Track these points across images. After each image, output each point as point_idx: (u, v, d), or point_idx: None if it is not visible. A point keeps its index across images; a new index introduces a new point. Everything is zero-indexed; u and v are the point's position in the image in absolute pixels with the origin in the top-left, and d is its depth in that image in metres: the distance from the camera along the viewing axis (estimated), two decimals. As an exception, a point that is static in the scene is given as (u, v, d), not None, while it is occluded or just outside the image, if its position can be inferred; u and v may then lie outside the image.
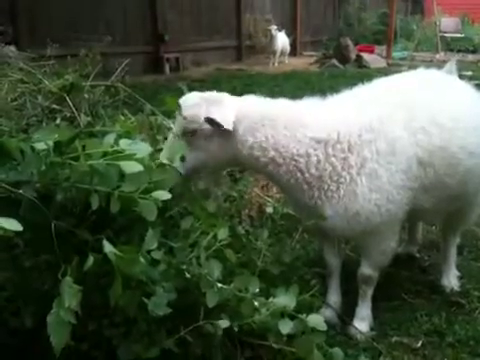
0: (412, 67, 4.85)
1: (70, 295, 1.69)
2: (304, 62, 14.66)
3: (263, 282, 2.16)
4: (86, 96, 3.60)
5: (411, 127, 2.50)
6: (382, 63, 13.66)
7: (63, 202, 1.87)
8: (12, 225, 1.57)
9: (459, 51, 16.14)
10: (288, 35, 14.86)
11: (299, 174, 2.42)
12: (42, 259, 1.95)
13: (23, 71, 3.93)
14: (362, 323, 2.73)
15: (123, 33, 11.46)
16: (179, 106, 2.40)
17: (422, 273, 3.39)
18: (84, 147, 1.85)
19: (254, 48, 15.44)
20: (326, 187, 2.44)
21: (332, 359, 2.10)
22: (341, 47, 13.63)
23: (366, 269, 2.69)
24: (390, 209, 2.47)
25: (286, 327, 2.00)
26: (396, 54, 15.38)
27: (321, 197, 2.46)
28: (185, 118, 2.36)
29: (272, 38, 13.71)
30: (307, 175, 2.42)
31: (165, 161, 2.08)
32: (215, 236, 2.11)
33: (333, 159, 2.41)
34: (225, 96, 2.46)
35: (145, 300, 1.87)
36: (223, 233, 2.12)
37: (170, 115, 2.89)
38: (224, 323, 1.94)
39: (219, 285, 1.96)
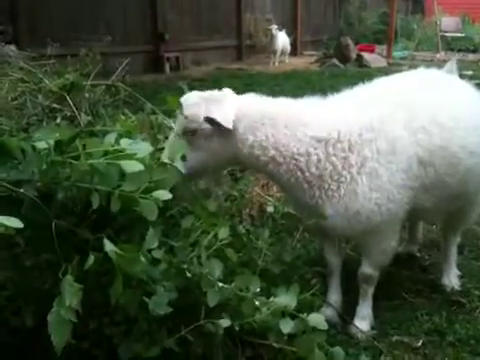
0: (412, 67, 4.85)
1: (71, 294, 1.69)
2: (304, 62, 14.66)
3: (264, 281, 2.16)
4: (86, 95, 3.61)
5: (411, 126, 2.50)
6: (382, 62, 13.66)
7: (64, 201, 1.87)
8: (13, 223, 1.57)
9: (459, 50, 16.13)
10: (288, 34, 14.85)
11: (299, 173, 2.42)
12: (43, 258, 1.95)
13: (23, 70, 3.93)
14: (363, 322, 2.73)
15: (123, 32, 11.46)
16: (180, 105, 2.40)
17: (423, 272, 3.39)
18: (85, 146, 1.85)
19: (254, 47, 15.44)
20: (326, 186, 2.44)
21: (333, 358, 2.10)
22: (342, 46, 13.62)
23: (367, 268, 2.69)
24: (390, 208, 2.47)
25: (287, 326, 2.00)
26: (396, 53, 15.38)
27: (321, 196, 2.46)
28: (186, 117, 2.36)
29: (272, 37, 13.71)
30: (307, 174, 2.42)
31: (166, 160, 2.08)
32: (216, 235, 2.11)
33: (333, 158, 2.41)
34: (226, 95, 2.46)
35: (146, 299, 1.87)
36: (224, 232, 2.12)
37: (171, 114, 2.90)
38: (225, 322, 1.94)
39: (220, 284, 1.95)
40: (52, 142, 1.84)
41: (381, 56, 14.45)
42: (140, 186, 1.82)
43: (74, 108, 3.35)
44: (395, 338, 2.67)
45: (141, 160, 1.84)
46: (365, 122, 2.46)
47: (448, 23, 17.07)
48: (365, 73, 10.40)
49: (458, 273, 3.21)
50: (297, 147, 2.39)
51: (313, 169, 2.41)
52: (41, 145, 1.84)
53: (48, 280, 1.93)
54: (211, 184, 2.73)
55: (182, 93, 2.54)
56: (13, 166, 1.82)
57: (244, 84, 9.56)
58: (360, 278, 2.73)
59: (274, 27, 13.81)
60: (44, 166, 1.82)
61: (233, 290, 2.00)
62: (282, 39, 14.06)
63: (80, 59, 4.21)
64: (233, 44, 15.05)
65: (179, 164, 2.12)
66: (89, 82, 3.71)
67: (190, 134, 2.38)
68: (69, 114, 3.38)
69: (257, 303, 2.03)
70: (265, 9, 16.10)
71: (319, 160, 2.41)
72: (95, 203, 1.79)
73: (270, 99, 2.53)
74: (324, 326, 2.04)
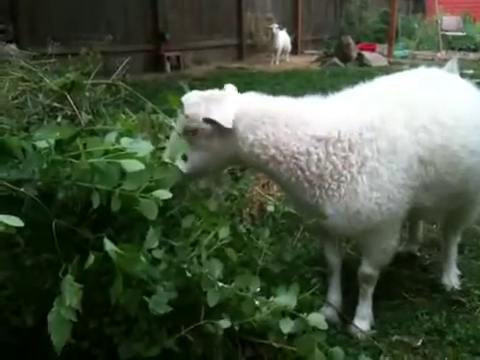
0: (413, 66, 4.84)
1: (71, 293, 1.69)
2: (305, 61, 14.67)
3: (264, 281, 2.15)
4: (87, 94, 3.61)
5: (412, 126, 2.50)
6: (383, 62, 13.66)
7: (64, 200, 1.87)
8: (13, 222, 1.57)
9: (460, 49, 16.12)
10: (289, 33, 14.87)
11: (300, 172, 2.42)
12: (43, 258, 1.95)
13: (24, 69, 3.94)
14: (363, 322, 2.73)
15: (124, 32, 11.47)
16: (181, 105, 2.40)
17: (423, 272, 3.39)
18: (85, 145, 1.84)
19: (255, 46, 15.46)
20: (327, 186, 2.43)
21: (332, 358, 2.10)
22: (342, 45, 13.62)
23: (367, 268, 2.69)
24: (391, 208, 2.46)
25: (287, 326, 2.00)
26: (397, 53, 15.37)
27: (322, 196, 2.45)
28: (186, 117, 2.36)
29: (273, 36, 13.72)
30: (308, 173, 2.42)
31: (167, 160, 2.08)
32: (216, 235, 2.11)
33: (334, 158, 2.41)
34: (226, 94, 2.46)
35: (146, 299, 1.87)
36: (224, 232, 2.12)
37: (171, 113, 2.89)
38: (225, 323, 1.94)
39: (220, 284, 1.95)
40: (52, 141, 1.84)
41: (382, 55, 14.45)
42: (141, 185, 1.82)
43: (75, 107, 3.35)
44: (395, 338, 2.67)
45: (142, 159, 1.83)
46: (366, 121, 2.45)
47: (449, 22, 17.07)
48: (366, 72, 10.39)
49: (458, 272, 3.20)
50: (297, 146, 2.39)
51: (313, 168, 2.41)
52: (42, 144, 1.83)
53: (48, 280, 1.93)
54: (211, 183, 2.73)
55: (183, 92, 2.54)
56: (13, 165, 1.82)
57: (245, 83, 9.55)
58: (360, 278, 2.73)
59: (275, 26, 13.82)
60: (44, 165, 1.82)
61: (233, 290, 1.99)
62: (283, 38, 14.08)
63: (81, 58, 4.22)
64: (234, 43, 15.06)
65: (180, 163, 2.12)
66: (90, 81, 3.71)
67: (191, 133, 2.37)
68: (70, 113, 3.39)
69: (257, 303, 2.03)
70: (266, 8, 16.11)
71: (319, 159, 2.40)
72: (95, 202, 1.79)
73: (270, 98, 2.52)
74: (324, 326, 2.04)
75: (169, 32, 12.44)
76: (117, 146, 1.87)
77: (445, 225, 3.23)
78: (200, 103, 2.37)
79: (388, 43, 15.25)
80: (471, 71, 10.23)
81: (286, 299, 2.07)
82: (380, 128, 2.45)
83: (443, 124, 2.54)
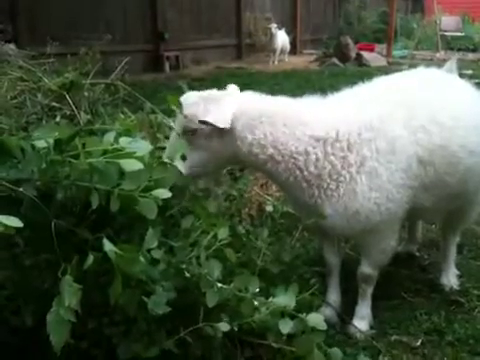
0: (412, 66, 4.85)
1: (70, 294, 1.68)
2: (304, 60, 14.67)
3: (263, 281, 2.15)
4: (86, 94, 3.61)
5: (411, 126, 2.50)
6: (382, 62, 13.65)
7: (63, 200, 1.87)
8: (13, 222, 1.57)
9: (459, 50, 16.12)
10: (288, 33, 14.86)
11: (298, 172, 2.42)
12: (42, 258, 1.95)
13: (23, 69, 3.94)
14: (362, 322, 2.73)
15: (123, 31, 11.45)
16: (180, 105, 2.40)
17: (422, 272, 3.39)
18: (84, 145, 1.84)
19: (254, 46, 15.45)
20: (325, 185, 2.43)
21: (331, 359, 2.10)
22: (341, 45, 13.63)
23: (366, 268, 2.69)
24: (390, 208, 2.46)
25: (286, 327, 2.00)
26: (396, 53, 15.38)
27: (321, 196, 2.45)
28: (185, 117, 2.36)
29: (272, 36, 13.71)
30: (306, 173, 2.42)
31: (166, 160, 2.08)
32: (215, 235, 2.11)
33: (332, 158, 2.41)
34: (224, 94, 2.45)
35: (145, 299, 1.87)
36: (223, 233, 2.11)
37: (170, 113, 2.89)
38: (224, 326, 1.93)
39: (219, 285, 1.95)
40: (51, 141, 1.84)
41: (381, 55, 14.45)
42: (139, 185, 1.82)
43: (73, 107, 3.35)
44: (394, 338, 2.66)
45: (140, 159, 1.83)
46: (364, 121, 2.45)
47: (448, 22, 17.07)
48: (365, 72, 10.39)
49: (457, 272, 3.21)
50: (296, 146, 2.38)
51: (312, 168, 2.41)
52: (40, 144, 1.83)
53: (47, 280, 1.92)
54: (210, 183, 2.72)
55: (182, 92, 2.53)
56: (12, 165, 1.82)
57: (244, 83, 9.47)
58: (359, 278, 2.73)
59: (274, 26, 13.81)
60: (43, 165, 1.82)
61: (232, 290, 1.99)
62: (282, 38, 14.07)
63: (80, 58, 4.22)
64: (233, 43, 15.06)
65: (179, 164, 2.12)
66: (88, 81, 3.71)
67: (190, 134, 2.37)
68: (68, 113, 3.39)
69: (256, 303, 2.03)
70: (265, 8, 16.11)
71: (318, 159, 2.40)
72: (94, 202, 1.79)
73: (269, 97, 2.52)
74: (323, 326, 2.03)
75: (168, 32, 12.43)
76: (116, 146, 1.87)
77: (444, 225, 3.23)
78: (199, 103, 2.37)
79: (387, 43, 15.25)
80: (470, 71, 10.23)
81: (285, 299, 2.06)
82: (379, 128, 2.45)
83: (442, 124, 2.54)
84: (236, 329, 2.00)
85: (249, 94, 2.51)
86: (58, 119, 3.24)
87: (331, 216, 2.45)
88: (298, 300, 2.09)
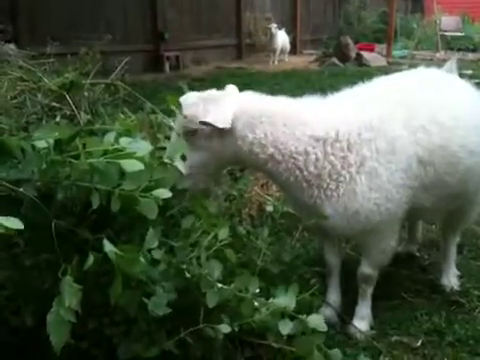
0: (412, 66, 4.85)
1: (70, 294, 1.68)
2: (304, 60, 14.66)
3: (263, 281, 2.15)
4: (86, 94, 3.61)
5: (411, 126, 2.50)
6: (382, 62, 13.66)
7: (63, 201, 1.87)
8: (13, 223, 1.56)
9: (459, 50, 16.12)
10: (288, 33, 14.86)
11: (298, 172, 2.42)
12: (42, 258, 1.95)
13: (23, 69, 3.94)
14: (362, 322, 2.73)
15: (123, 31, 11.45)
16: (180, 105, 2.40)
17: (422, 272, 3.39)
18: (84, 145, 1.84)
19: (254, 46, 15.45)
20: (325, 186, 2.43)
21: (331, 360, 2.10)
22: (341, 46, 13.63)
23: (366, 268, 2.69)
24: (390, 208, 2.46)
25: (286, 327, 2.00)
26: (396, 53, 15.38)
27: (320, 196, 2.45)
28: (185, 117, 2.36)
29: (272, 36, 13.72)
30: (306, 173, 2.42)
31: (167, 160, 2.07)
32: (216, 236, 2.10)
33: (332, 158, 2.41)
34: (224, 94, 2.45)
35: (145, 300, 1.86)
36: (223, 233, 2.11)
37: (170, 113, 2.89)
38: (225, 328, 1.93)
39: (219, 285, 1.95)
40: (52, 141, 1.84)
41: (381, 55, 14.45)
42: (140, 185, 1.82)
43: (73, 107, 3.35)
44: (394, 338, 2.66)
45: (141, 159, 1.83)
46: (364, 121, 2.45)
47: (448, 22, 17.07)
48: (365, 72, 10.38)
49: (457, 273, 3.20)
50: (295, 146, 2.38)
51: (312, 168, 2.41)
52: (41, 144, 1.83)
53: (48, 280, 1.92)
54: (211, 184, 2.72)
55: (182, 92, 2.53)
56: (12, 165, 1.82)
57: (244, 83, 9.52)
58: (359, 278, 2.73)
59: (274, 26, 13.82)
60: (44, 165, 1.81)
61: (232, 291, 1.99)
62: (282, 38, 14.07)
63: (80, 58, 4.22)
64: (233, 43, 15.06)
65: (179, 164, 2.11)
66: (89, 81, 3.71)
67: (190, 134, 2.37)
68: (68, 113, 3.39)
69: (256, 304, 2.02)
70: (265, 8, 16.10)
71: (317, 159, 2.40)
72: (95, 202, 1.79)
73: (269, 97, 2.52)
74: (323, 327, 2.03)
75: (168, 32, 12.43)
76: (116, 146, 1.87)
77: (444, 225, 3.23)
78: (198, 104, 2.36)
79: (387, 43, 15.25)
80: (470, 71, 10.23)
81: (285, 300, 2.06)
82: (379, 128, 2.45)
83: (442, 124, 2.54)
84: (236, 329, 2.00)
85: (249, 94, 2.51)
86: (58, 119, 3.24)
87: (331, 216, 2.45)
88: (298, 300, 2.09)
